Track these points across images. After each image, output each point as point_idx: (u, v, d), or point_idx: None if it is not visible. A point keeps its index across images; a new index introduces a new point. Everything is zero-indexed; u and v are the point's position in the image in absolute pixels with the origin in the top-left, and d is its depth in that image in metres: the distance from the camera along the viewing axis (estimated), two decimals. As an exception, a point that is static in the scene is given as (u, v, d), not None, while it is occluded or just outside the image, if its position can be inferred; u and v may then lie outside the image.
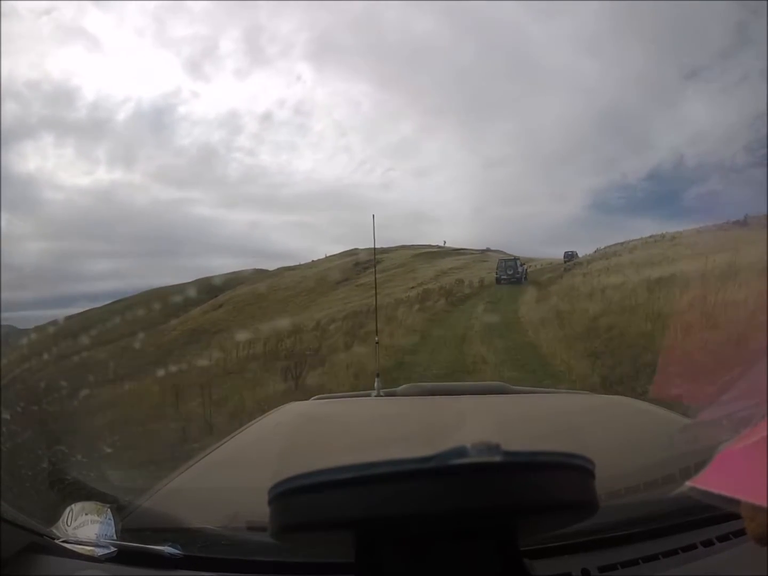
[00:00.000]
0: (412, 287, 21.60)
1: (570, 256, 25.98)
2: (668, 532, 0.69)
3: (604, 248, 26.90)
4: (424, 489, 0.38)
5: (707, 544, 0.68)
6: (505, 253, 38.59)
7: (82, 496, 0.84)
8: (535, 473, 0.40)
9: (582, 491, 0.43)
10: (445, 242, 41.68)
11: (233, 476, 0.97)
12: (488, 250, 41.72)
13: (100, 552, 0.66)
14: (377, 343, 3.47)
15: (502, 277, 20.84)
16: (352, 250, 38.01)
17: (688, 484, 0.42)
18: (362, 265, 30.65)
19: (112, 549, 0.66)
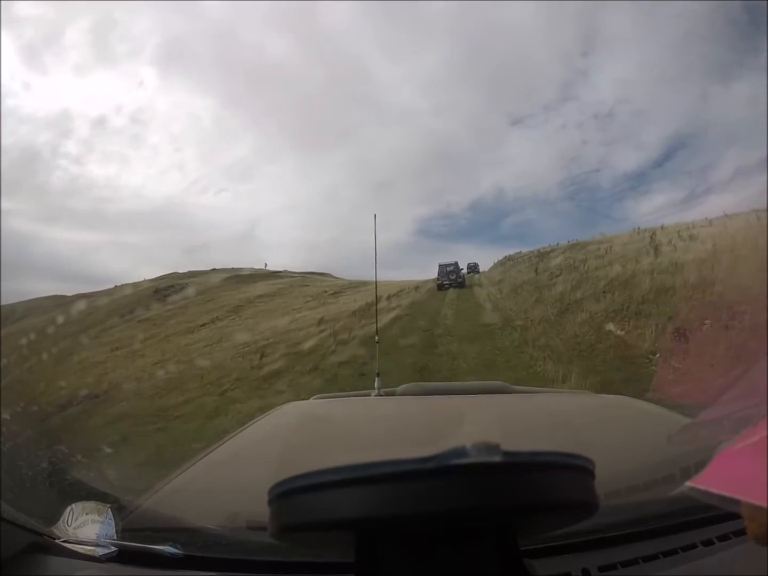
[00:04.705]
0: (203, 324, 17.65)
1: (473, 268, 27.22)
2: (668, 532, 0.69)
3: (507, 258, 27.70)
4: (424, 489, 0.38)
5: (707, 544, 0.68)
6: (333, 276, 35.48)
7: (82, 496, 0.84)
8: (535, 473, 0.40)
9: (582, 491, 0.42)
10: (266, 264, 38.09)
11: (233, 476, 0.97)
12: (311, 273, 37.87)
13: (100, 552, 0.66)
14: (377, 342, 3.48)
15: (445, 282, 19.70)
16: (171, 274, 34.09)
17: (688, 484, 0.42)
18: (162, 293, 26.52)
19: (113, 549, 0.66)
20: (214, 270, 36.66)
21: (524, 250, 27.64)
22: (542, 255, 22.12)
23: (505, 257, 28.46)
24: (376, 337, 3.69)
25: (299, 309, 18.23)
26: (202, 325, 17.88)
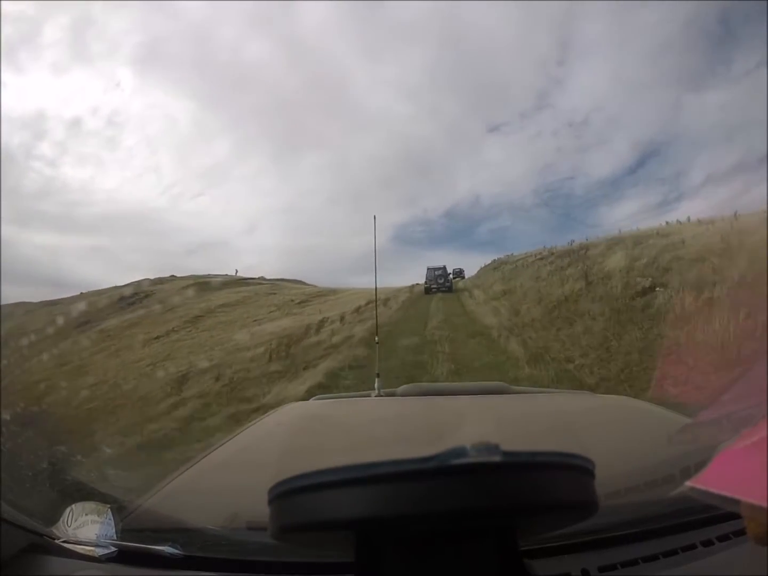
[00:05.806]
0: (157, 337, 16.54)
1: (458, 273, 27.54)
2: (668, 532, 0.69)
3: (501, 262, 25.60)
4: (424, 489, 0.38)
5: (707, 544, 0.68)
6: (304, 284, 34.83)
7: (82, 496, 0.84)
8: (534, 473, 0.40)
9: (582, 491, 0.43)
10: (237, 271, 37.10)
11: (233, 476, 0.97)
12: (283, 280, 36.98)
13: (100, 552, 0.66)
14: (377, 343, 3.49)
15: (432, 286, 19.37)
16: (141, 280, 32.39)
17: (688, 484, 0.42)
18: (127, 300, 25.33)
19: (112, 549, 0.66)
20: (175, 276, 35.86)
21: (516, 252, 25.62)
22: (564, 255, 17.01)
23: (496, 260, 26.71)
24: (376, 338, 3.70)
25: (260, 320, 16.98)
26: (156, 338, 16.93)
